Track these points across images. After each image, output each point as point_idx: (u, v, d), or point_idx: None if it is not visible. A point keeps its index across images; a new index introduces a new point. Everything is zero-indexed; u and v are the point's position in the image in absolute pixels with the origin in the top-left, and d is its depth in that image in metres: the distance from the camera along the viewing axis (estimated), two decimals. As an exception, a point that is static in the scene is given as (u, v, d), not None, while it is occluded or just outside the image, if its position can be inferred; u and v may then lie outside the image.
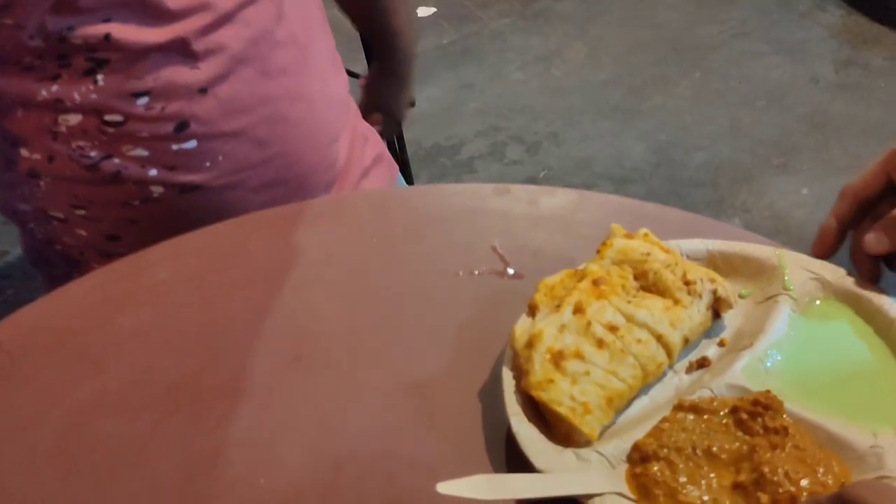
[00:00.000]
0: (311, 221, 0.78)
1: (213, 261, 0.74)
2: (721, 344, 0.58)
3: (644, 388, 0.56)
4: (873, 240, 0.59)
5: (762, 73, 2.75)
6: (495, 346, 0.62)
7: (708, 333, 0.59)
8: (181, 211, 0.85)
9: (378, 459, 0.56)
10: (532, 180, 2.40)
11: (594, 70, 2.83)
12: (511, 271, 0.71)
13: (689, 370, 0.57)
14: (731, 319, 0.60)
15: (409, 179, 1.39)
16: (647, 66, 2.83)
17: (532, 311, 0.59)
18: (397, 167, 1.11)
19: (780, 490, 0.46)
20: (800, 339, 0.57)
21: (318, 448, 0.58)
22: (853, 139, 2.46)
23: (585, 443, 0.52)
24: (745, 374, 0.54)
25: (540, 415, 0.53)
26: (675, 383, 0.56)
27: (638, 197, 0.80)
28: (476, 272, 0.71)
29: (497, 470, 0.54)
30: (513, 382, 0.55)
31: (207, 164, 0.83)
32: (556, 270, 0.67)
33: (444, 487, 0.44)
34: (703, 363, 0.57)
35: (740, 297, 0.61)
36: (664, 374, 0.57)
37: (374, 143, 1.04)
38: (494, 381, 0.58)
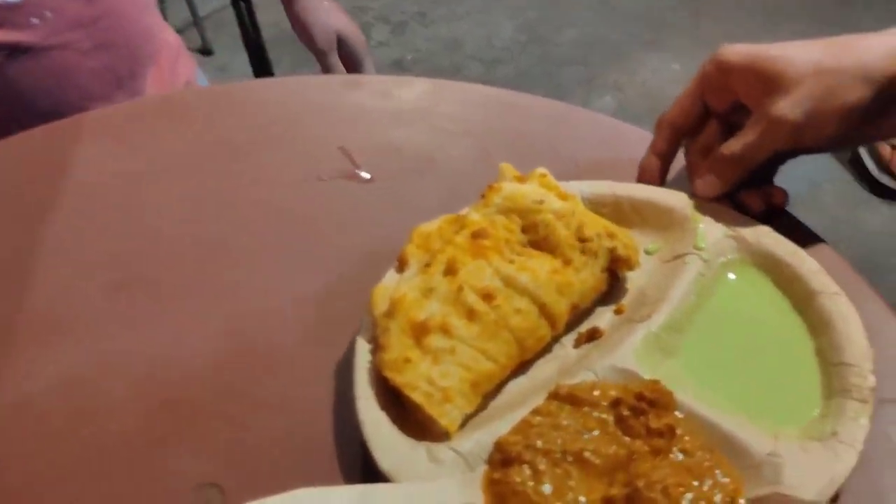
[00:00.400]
0: (140, 124, 0.68)
1: (27, 173, 0.64)
2: (618, 311, 0.50)
3: (524, 362, 0.48)
4: (705, 185, 0.54)
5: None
6: (346, 267, 0.55)
7: (604, 298, 0.51)
8: (8, 84, 0.77)
9: (220, 400, 0.49)
10: (399, 64, 2.27)
11: (461, -60, 2.67)
12: (364, 175, 0.63)
13: (578, 343, 0.49)
14: (635, 279, 0.52)
15: (268, 67, 1.29)
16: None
17: (401, 265, 0.50)
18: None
19: (656, 509, 0.39)
20: (706, 313, 0.49)
21: (148, 390, 0.50)
22: (723, 11, 2.38)
23: (443, 435, 0.44)
24: (636, 354, 0.46)
25: (397, 395, 0.45)
26: (561, 357, 0.48)
27: (508, 78, 0.74)
28: (324, 177, 0.62)
29: (350, 435, 0.46)
30: (369, 357, 0.46)
31: (35, 20, 0.76)
32: (414, 171, 0.60)
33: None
34: (593, 335, 0.49)
35: (646, 252, 0.53)
36: (550, 348, 0.49)
37: (170, 32, 1.00)
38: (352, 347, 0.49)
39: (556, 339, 0.49)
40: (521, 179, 0.52)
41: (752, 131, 0.51)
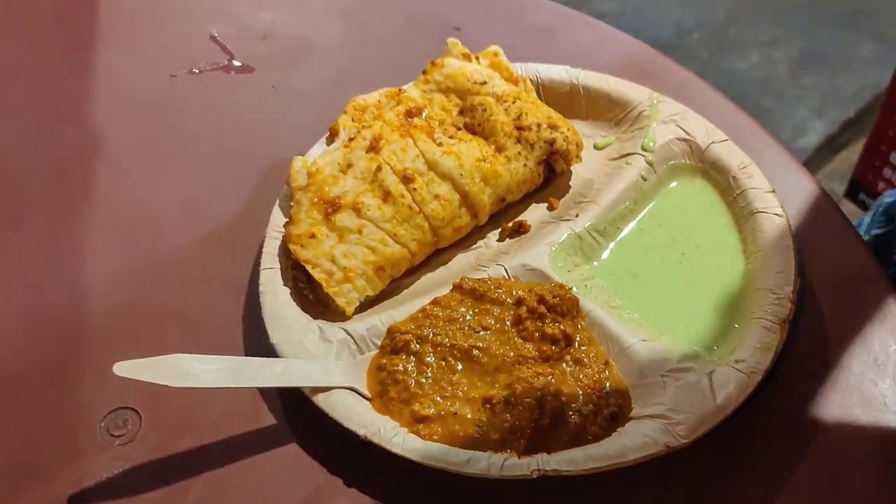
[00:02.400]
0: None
1: None
2: (551, 207, 0.48)
3: (444, 251, 0.47)
4: None
5: None
6: (236, 166, 0.52)
7: (542, 192, 0.48)
8: None
9: (120, 318, 0.46)
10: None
11: None
12: (237, 63, 0.59)
13: (502, 236, 0.47)
14: (580, 176, 0.49)
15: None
16: None
17: (332, 136, 0.48)
18: None
19: (530, 416, 0.39)
20: (639, 219, 0.46)
21: (37, 313, 0.46)
22: None
23: (342, 316, 0.43)
24: (552, 255, 0.44)
25: (304, 271, 0.44)
26: (481, 250, 0.47)
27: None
28: (195, 70, 0.59)
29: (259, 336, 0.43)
30: (282, 230, 0.45)
31: None
32: (291, 57, 0.57)
33: (122, 368, 0.36)
34: (519, 229, 0.47)
35: (596, 147, 0.50)
36: (473, 240, 0.47)
37: None
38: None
39: (480, 232, 0.47)
40: (468, 58, 0.49)
41: None
